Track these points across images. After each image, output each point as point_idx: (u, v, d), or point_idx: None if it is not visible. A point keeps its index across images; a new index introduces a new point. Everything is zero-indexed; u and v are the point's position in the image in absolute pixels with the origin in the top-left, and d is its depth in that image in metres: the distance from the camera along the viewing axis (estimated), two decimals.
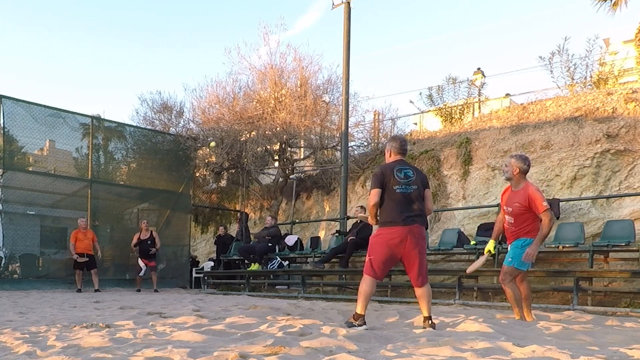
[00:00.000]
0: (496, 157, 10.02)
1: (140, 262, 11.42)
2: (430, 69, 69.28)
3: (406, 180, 4.23)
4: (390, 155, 4.46)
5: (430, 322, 4.22)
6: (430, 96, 14.62)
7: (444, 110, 14.04)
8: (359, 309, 4.21)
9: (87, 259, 10.75)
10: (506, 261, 4.98)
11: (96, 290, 10.66)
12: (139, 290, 11.24)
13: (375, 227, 4.41)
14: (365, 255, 4.37)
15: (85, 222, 10.99)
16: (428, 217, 4.39)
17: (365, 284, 4.24)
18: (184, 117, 15.60)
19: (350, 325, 4.15)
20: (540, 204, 4.70)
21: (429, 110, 15.07)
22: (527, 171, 4.93)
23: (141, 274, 11.40)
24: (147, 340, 3.52)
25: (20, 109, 11.05)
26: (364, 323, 4.17)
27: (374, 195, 4.21)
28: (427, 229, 4.34)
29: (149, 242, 11.52)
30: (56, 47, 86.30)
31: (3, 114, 10.71)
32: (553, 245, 7.66)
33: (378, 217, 4.28)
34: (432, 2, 74.64)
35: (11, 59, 78.19)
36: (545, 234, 4.75)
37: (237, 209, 15.24)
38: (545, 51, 25.48)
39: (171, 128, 15.52)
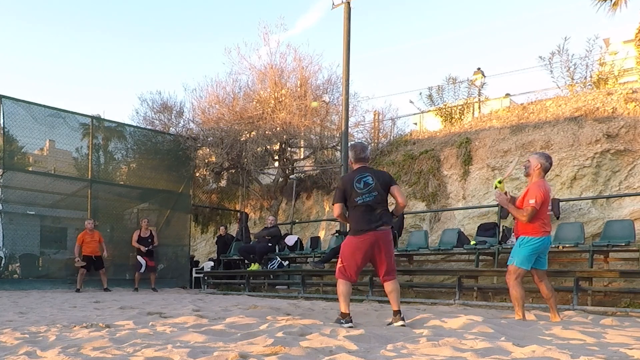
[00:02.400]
0: (496, 157, 10.02)
1: (140, 259, 11.45)
2: (430, 69, 69.36)
3: (366, 189, 4.45)
4: (351, 164, 4.67)
5: (400, 315, 4.42)
6: (430, 96, 14.62)
7: (444, 110, 14.03)
8: (343, 309, 4.51)
9: (85, 263, 10.80)
10: (509, 260, 4.99)
11: (105, 289, 10.86)
12: (136, 289, 11.26)
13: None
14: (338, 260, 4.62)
15: (92, 224, 11.06)
16: (400, 209, 4.66)
17: (342, 285, 4.59)
18: (184, 117, 15.61)
19: (339, 321, 4.42)
20: (528, 199, 4.71)
21: (429, 110, 15.06)
22: (548, 168, 4.92)
23: (141, 270, 11.43)
24: (147, 340, 3.51)
25: (20, 109, 11.04)
26: (351, 320, 4.44)
27: (336, 209, 4.56)
28: (393, 226, 4.65)
29: (149, 240, 11.59)
30: (56, 47, 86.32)
31: (3, 114, 10.71)
32: (553, 245, 7.65)
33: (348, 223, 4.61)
34: (432, 2, 74.67)
35: (11, 59, 78.20)
36: (516, 215, 4.81)
37: (237, 209, 15.23)
38: (545, 51, 25.51)
39: (171, 128, 15.51)
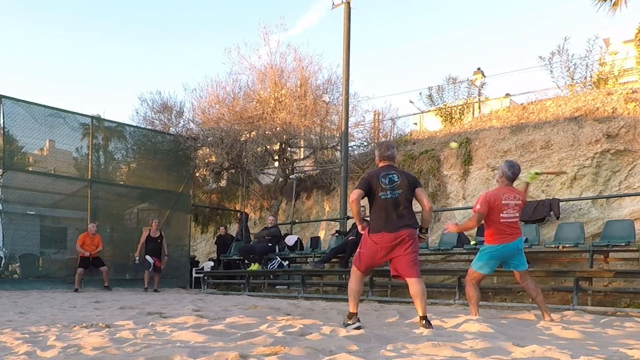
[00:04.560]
0: (496, 157, 10.02)
1: (149, 259, 11.43)
2: (430, 68, 69.35)
3: (391, 186, 4.34)
4: (379, 161, 4.57)
5: (425, 321, 4.18)
6: (430, 96, 14.63)
7: (444, 110, 14.04)
8: (352, 308, 4.35)
9: (90, 259, 10.89)
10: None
11: (106, 287, 10.96)
12: (146, 289, 11.22)
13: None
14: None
15: (95, 228, 11.12)
16: (427, 214, 4.43)
17: (354, 282, 4.43)
18: (184, 117, 15.61)
19: (346, 325, 4.25)
20: (475, 204, 4.85)
21: (429, 110, 15.07)
22: (511, 177, 4.89)
23: (150, 269, 11.40)
24: (147, 340, 3.52)
25: (20, 109, 11.04)
26: (358, 320, 4.28)
27: (354, 193, 4.31)
28: (420, 228, 4.47)
29: (158, 240, 11.59)
30: (56, 47, 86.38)
31: (3, 114, 10.70)
32: (553, 245, 7.66)
33: (363, 219, 4.44)
34: (432, 2, 74.72)
35: (11, 59, 78.24)
36: (463, 226, 4.96)
37: (237, 209, 15.23)
38: (545, 51, 25.52)
39: (171, 128, 15.51)
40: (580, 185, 8.99)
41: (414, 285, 4.25)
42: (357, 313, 4.34)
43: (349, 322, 4.28)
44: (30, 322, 4.70)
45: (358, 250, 4.48)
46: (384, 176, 4.35)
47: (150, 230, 11.64)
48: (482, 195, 4.90)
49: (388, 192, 4.31)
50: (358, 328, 4.10)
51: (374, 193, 4.34)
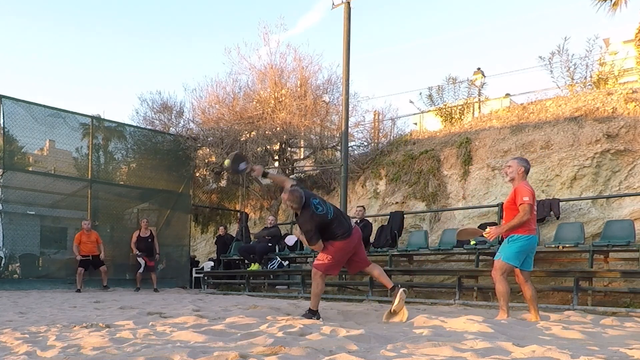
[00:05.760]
0: (496, 157, 10.02)
1: (140, 259, 11.48)
2: (430, 68, 69.33)
3: (324, 206, 4.93)
4: (298, 209, 5.03)
5: (398, 287, 4.89)
6: (430, 96, 14.62)
7: (444, 110, 14.03)
8: (314, 306, 4.95)
9: (90, 258, 10.89)
10: (496, 256, 5.01)
11: (105, 287, 10.96)
12: (138, 289, 11.28)
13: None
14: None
15: (89, 224, 11.11)
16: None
17: (320, 284, 5.00)
18: (184, 117, 15.60)
19: (309, 317, 4.80)
20: (520, 197, 4.78)
21: (429, 110, 15.07)
22: (529, 170, 5.10)
23: (140, 270, 11.44)
24: (147, 340, 3.51)
25: (20, 109, 11.03)
26: (320, 317, 4.87)
27: (319, 245, 4.94)
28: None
29: (149, 240, 11.61)
30: (57, 47, 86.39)
31: (3, 114, 10.70)
32: (553, 245, 7.66)
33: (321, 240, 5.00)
34: (432, 2, 74.72)
35: (11, 59, 78.24)
36: (514, 224, 4.78)
37: (237, 209, 15.23)
38: (545, 51, 25.51)
39: (171, 128, 15.50)
40: (580, 185, 8.99)
41: (375, 270, 5.12)
42: (318, 311, 4.97)
43: (313, 317, 4.78)
44: (30, 322, 4.70)
45: (325, 261, 4.95)
46: (315, 207, 4.88)
47: (139, 230, 11.67)
48: (524, 189, 4.80)
49: (329, 212, 4.90)
50: (318, 318, 4.75)
51: (322, 221, 4.84)
